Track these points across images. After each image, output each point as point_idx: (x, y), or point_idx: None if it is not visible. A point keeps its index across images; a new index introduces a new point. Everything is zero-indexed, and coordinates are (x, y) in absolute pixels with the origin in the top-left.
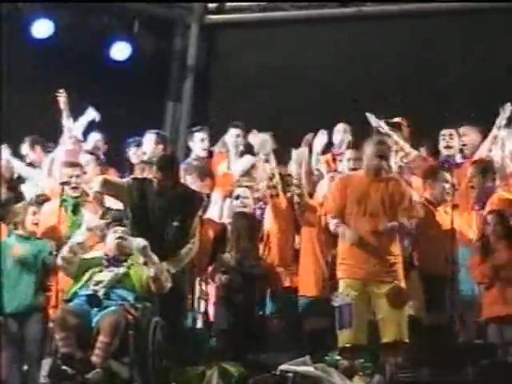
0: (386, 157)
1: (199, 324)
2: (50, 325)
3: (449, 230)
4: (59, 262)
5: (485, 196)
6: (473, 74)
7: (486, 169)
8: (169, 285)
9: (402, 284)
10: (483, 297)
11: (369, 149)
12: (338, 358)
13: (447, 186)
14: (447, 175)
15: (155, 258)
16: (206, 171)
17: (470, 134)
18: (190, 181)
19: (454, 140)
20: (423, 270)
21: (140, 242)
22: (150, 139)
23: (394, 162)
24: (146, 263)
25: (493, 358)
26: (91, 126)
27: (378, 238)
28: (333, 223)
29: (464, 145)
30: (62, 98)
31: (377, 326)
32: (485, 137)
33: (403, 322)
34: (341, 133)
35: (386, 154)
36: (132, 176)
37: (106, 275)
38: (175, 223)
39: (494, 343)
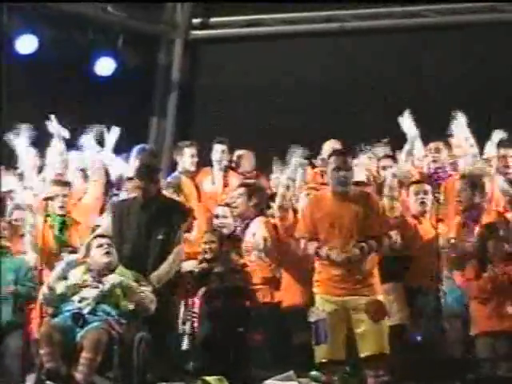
0: (348, 169)
1: (185, 341)
2: (33, 340)
3: (433, 243)
4: (40, 296)
5: (476, 211)
6: (462, 86)
7: (474, 183)
8: (153, 307)
9: (380, 297)
10: (476, 311)
11: (332, 166)
12: (316, 373)
13: (426, 197)
14: (427, 187)
15: (134, 287)
16: (177, 187)
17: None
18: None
19: (441, 153)
20: (408, 282)
21: (115, 278)
22: (137, 154)
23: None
24: (125, 295)
25: (479, 372)
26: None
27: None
28: (312, 247)
29: (456, 156)
30: (52, 122)
31: (354, 340)
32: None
33: (384, 335)
34: (329, 149)
35: (349, 168)
36: (117, 199)
37: (90, 292)
38: (160, 236)
39: (480, 358)
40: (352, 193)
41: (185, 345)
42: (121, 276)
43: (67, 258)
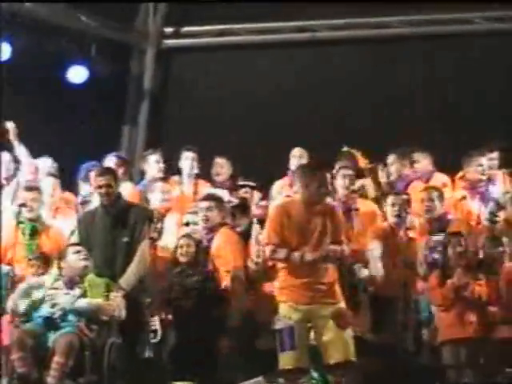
0: (325, 186)
1: (155, 346)
2: (3, 347)
3: (402, 252)
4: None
5: (438, 220)
6: (434, 97)
7: (442, 195)
8: (124, 313)
9: (343, 305)
10: (440, 319)
11: (309, 178)
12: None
13: (401, 209)
14: (403, 198)
15: (121, 288)
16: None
17: (421, 161)
18: None
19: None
20: (376, 291)
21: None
22: (110, 162)
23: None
24: (109, 290)
25: (445, 380)
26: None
27: (316, 264)
28: (282, 253)
29: (415, 171)
30: (10, 129)
31: (318, 348)
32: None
33: (349, 342)
34: (297, 158)
35: (326, 183)
36: (82, 211)
37: (62, 297)
38: (125, 239)
39: (446, 365)
40: (320, 204)
41: (154, 351)
42: (91, 285)
43: (30, 281)
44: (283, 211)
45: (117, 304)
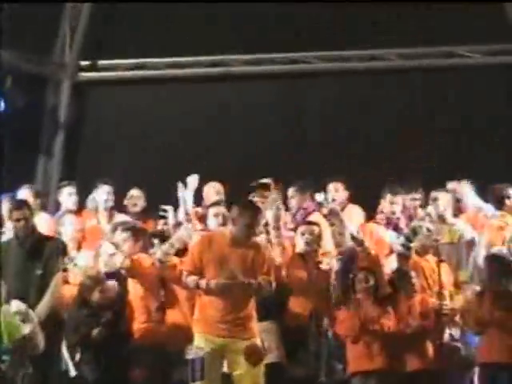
0: (254, 226)
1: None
2: None
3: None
4: None
5: (350, 254)
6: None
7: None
8: (42, 345)
9: (258, 341)
10: (349, 350)
11: (239, 216)
12: None
13: (311, 238)
14: (314, 228)
15: (34, 319)
16: None
17: (338, 190)
18: None
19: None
20: (287, 321)
21: (18, 305)
22: (24, 194)
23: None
24: (23, 321)
25: None
26: None
27: (234, 297)
28: (191, 280)
29: (333, 200)
30: None
31: (230, 380)
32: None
33: (260, 377)
34: (213, 192)
35: (256, 223)
36: None
37: None
38: (38, 271)
39: None
40: (245, 239)
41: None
42: (5, 316)
43: None
44: (206, 241)
45: (41, 336)
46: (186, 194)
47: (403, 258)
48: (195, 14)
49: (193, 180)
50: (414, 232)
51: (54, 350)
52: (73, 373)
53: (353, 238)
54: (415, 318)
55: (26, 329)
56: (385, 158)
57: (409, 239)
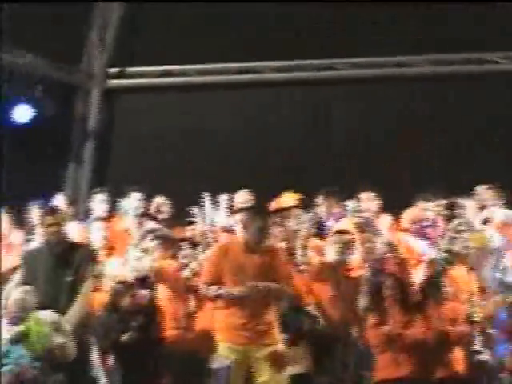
0: (266, 229)
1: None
2: None
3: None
4: None
5: (378, 262)
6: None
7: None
8: (73, 354)
9: (280, 347)
10: (377, 359)
11: (250, 221)
12: None
13: (337, 246)
14: (337, 237)
15: (67, 328)
16: None
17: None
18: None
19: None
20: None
21: (51, 315)
22: (57, 201)
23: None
24: (56, 330)
25: None
26: None
27: (254, 303)
28: (212, 290)
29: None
30: None
31: None
32: None
33: None
34: (241, 201)
35: (266, 227)
36: (27, 249)
37: (5, 333)
38: (68, 278)
39: None
40: (261, 246)
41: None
42: (36, 323)
43: None
44: (221, 251)
45: (72, 345)
46: (215, 212)
47: (434, 265)
48: (222, 20)
49: (225, 199)
50: (451, 241)
51: (85, 357)
52: (103, 381)
53: (388, 244)
54: (444, 326)
55: (58, 338)
56: (407, 166)
57: (447, 249)
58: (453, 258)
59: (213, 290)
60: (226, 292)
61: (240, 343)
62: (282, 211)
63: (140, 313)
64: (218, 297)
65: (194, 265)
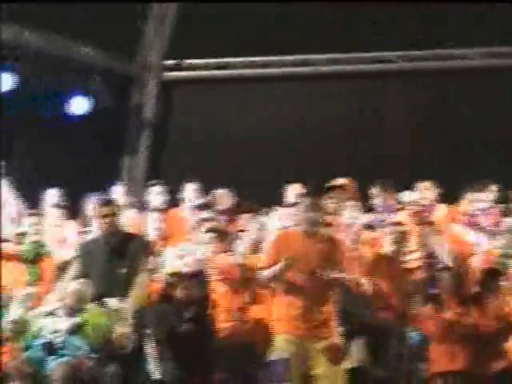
0: (321, 216)
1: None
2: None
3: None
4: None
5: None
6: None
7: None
8: (130, 346)
9: (337, 339)
10: (432, 351)
11: (303, 210)
12: None
13: (393, 237)
14: (393, 228)
15: (128, 318)
16: None
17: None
18: None
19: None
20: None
21: (114, 303)
22: (115, 192)
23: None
24: (118, 319)
25: None
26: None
27: (313, 294)
28: (267, 273)
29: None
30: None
31: (310, 380)
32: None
33: (340, 377)
34: (295, 193)
35: (322, 214)
36: (82, 241)
37: (62, 324)
38: (123, 270)
39: None
40: (320, 234)
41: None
42: (92, 315)
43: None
44: (282, 238)
45: (129, 335)
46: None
47: (491, 257)
48: (276, 13)
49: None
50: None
51: (140, 349)
52: (157, 374)
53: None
54: (500, 319)
55: (119, 328)
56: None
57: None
58: None
59: (272, 271)
60: (290, 277)
61: (297, 334)
62: (335, 189)
63: (193, 304)
64: (276, 278)
65: (241, 248)
